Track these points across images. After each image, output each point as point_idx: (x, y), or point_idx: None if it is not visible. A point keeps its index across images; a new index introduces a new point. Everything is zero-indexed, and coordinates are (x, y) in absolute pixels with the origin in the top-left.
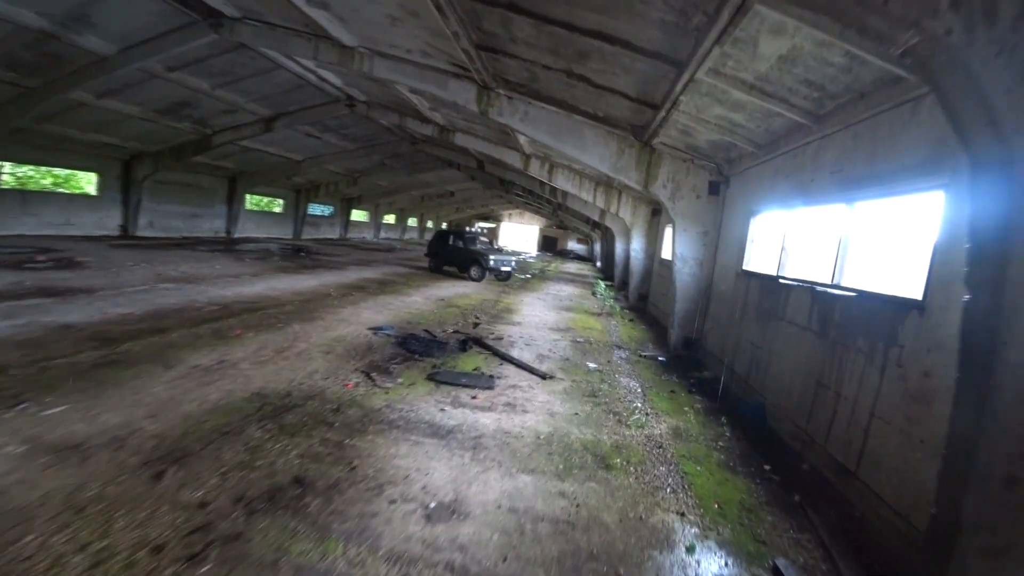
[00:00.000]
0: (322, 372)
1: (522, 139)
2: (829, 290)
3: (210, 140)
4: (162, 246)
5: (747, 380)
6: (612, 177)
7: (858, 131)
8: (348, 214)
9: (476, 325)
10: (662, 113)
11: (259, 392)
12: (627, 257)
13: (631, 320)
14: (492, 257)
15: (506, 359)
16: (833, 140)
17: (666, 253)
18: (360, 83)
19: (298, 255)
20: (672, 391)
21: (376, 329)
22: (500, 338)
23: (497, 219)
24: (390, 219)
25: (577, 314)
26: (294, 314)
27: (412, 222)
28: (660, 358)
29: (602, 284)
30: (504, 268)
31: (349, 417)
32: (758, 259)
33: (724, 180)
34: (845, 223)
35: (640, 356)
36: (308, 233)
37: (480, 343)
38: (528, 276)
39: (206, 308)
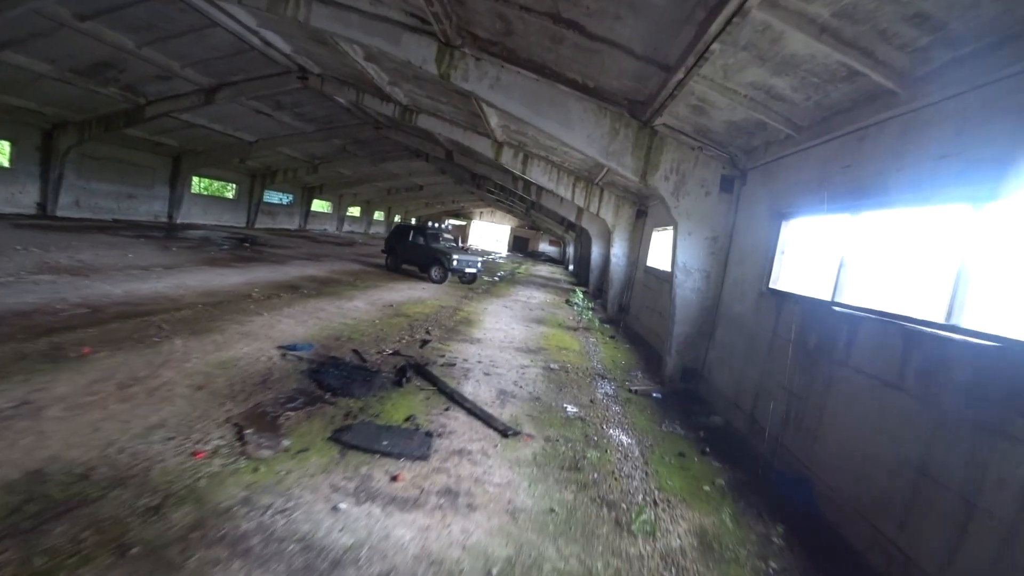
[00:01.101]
0: (171, 425)
1: (493, 121)
2: (938, 332)
3: (143, 110)
4: (81, 229)
5: (780, 440)
6: (601, 166)
7: (1007, 88)
8: (309, 204)
9: (425, 343)
10: (678, 75)
11: (40, 469)
12: (605, 262)
13: (612, 337)
14: (456, 257)
15: (455, 400)
16: (938, 112)
17: (653, 261)
18: (311, 50)
19: (240, 245)
20: (681, 453)
21: (288, 349)
22: (452, 364)
23: (468, 216)
24: (355, 212)
25: (550, 328)
26: (186, 323)
27: (379, 216)
28: (655, 394)
29: (579, 293)
30: (469, 270)
31: (167, 530)
32: (794, 276)
33: (739, 175)
34: (965, 231)
35: (630, 391)
36: (263, 222)
37: (423, 373)
38: (496, 279)
39: (67, 312)
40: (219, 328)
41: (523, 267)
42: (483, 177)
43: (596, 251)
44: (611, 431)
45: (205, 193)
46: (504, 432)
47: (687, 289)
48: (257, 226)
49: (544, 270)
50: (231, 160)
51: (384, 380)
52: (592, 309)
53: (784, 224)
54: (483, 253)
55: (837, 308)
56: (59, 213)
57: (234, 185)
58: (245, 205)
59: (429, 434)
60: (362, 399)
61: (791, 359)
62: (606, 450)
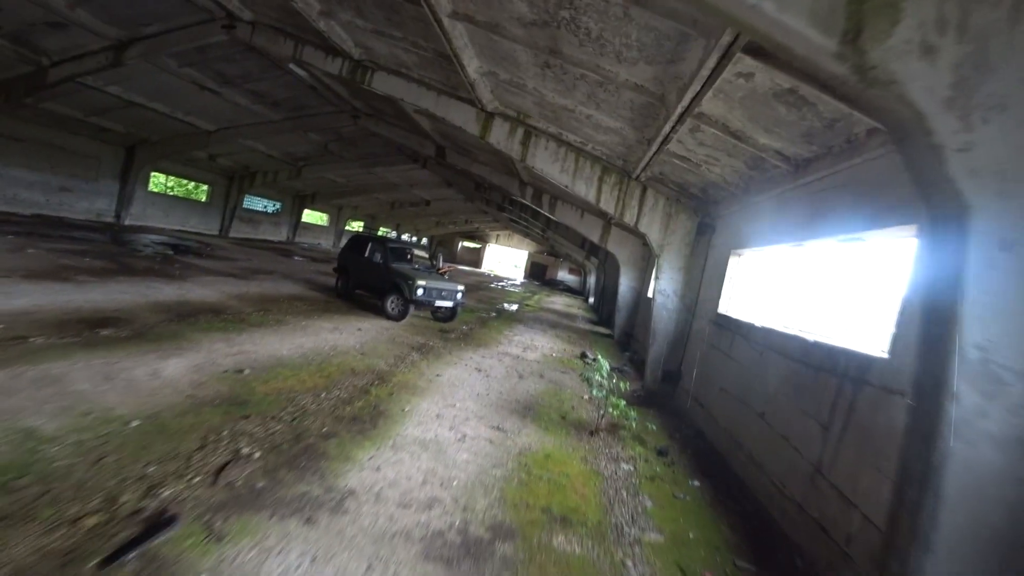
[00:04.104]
0: None
1: (472, 65)
2: None
3: (46, 74)
4: None
5: None
6: (647, 139)
7: None
8: (299, 214)
9: (160, 525)
10: None
11: None
12: (636, 300)
13: (662, 454)
14: (422, 283)
15: None
16: None
17: (730, 307)
18: None
19: (163, 253)
20: None
21: None
22: None
23: (483, 239)
24: (357, 227)
25: (541, 433)
26: None
27: (384, 233)
28: None
29: (602, 363)
30: (442, 303)
31: None
32: None
33: None
34: None
35: None
36: (242, 231)
37: None
38: (492, 314)
39: None
40: None
41: (535, 297)
42: (488, 187)
43: (625, 284)
44: None
45: (170, 193)
46: None
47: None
48: (233, 235)
49: (559, 302)
50: (190, 152)
51: None
52: (620, 372)
53: None
54: (496, 279)
55: None
56: None
57: (207, 187)
58: (219, 210)
59: None
60: None
61: None
62: None
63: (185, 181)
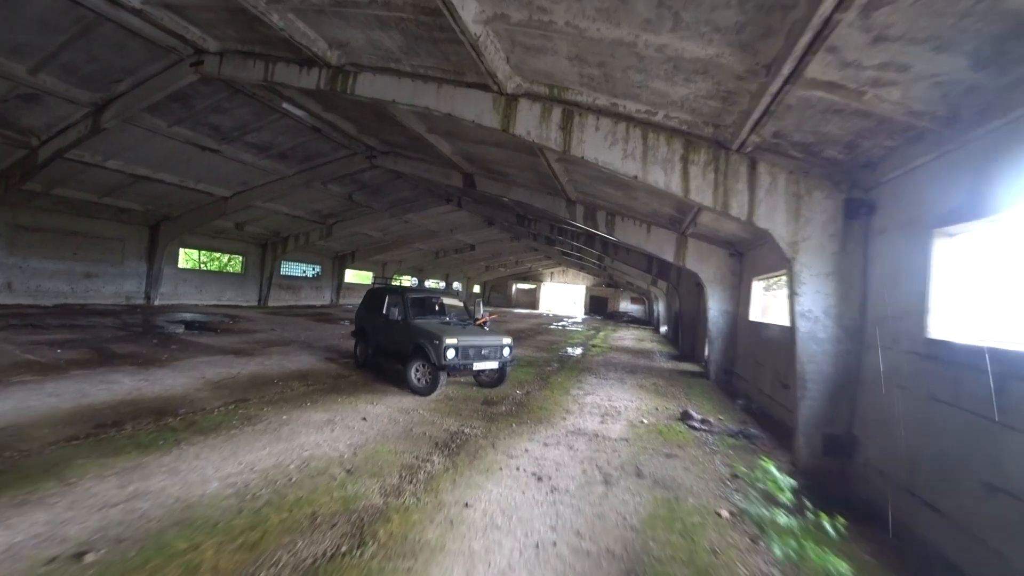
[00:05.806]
0: None
1: (469, 10)
2: None
3: (35, 155)
4: None
5: None
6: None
7: None
8: (340, 276)
9: None
10: None
11: None
12: (734, 326)
13: None
14: (453, 342)
15: None
16: None
17: (946, 325)
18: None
19: (176, 331)
20: None
21: None
22: None
23: (537, 279)
24: (405, 282)
25: None
26: None
27: (433, 285)
28: None
29: (782, 481)
30: (483, 365)
31: None
32: None
33: None
34: None
35: None
36: (282, 299)
37: None
38: (554, 365)
39: None
40: None
41: (601, 335)
42: (532, 217)
43: (715, 307)
44: None
45: (203, 268)
46: None
47: None
48: (272, 303)
49: (628, 337)
50: (212, 223)
51: None
52: (747, 439)
53: None
54: (555, 318)
55: None
56: None
57: (241, 257)
58: (256, 280)
59: None
60: None
61: None
62: None
63: (218, 254)
